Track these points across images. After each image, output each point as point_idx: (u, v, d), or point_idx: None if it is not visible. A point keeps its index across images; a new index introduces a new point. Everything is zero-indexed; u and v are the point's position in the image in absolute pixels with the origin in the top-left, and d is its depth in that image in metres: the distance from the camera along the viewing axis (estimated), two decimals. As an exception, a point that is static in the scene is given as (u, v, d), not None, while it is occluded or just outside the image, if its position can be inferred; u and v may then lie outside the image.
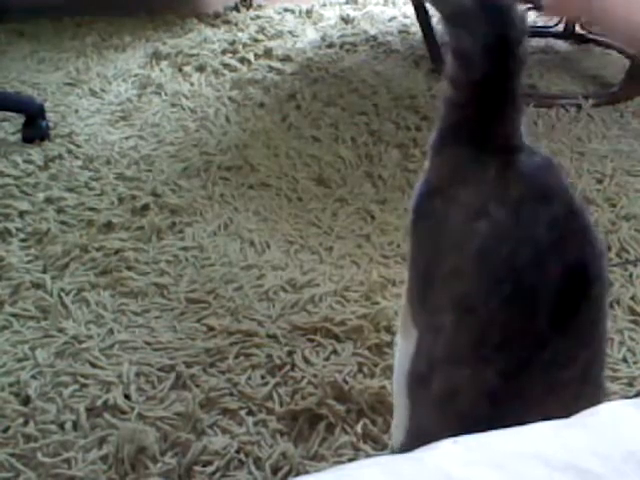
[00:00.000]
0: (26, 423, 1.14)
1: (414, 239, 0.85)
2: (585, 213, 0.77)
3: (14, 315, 1.36)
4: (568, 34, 2.51)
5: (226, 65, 2.35)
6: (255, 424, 1.14)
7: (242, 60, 2.38)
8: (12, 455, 1.09)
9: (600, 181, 1.72)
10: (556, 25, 2.52)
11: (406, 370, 0.81)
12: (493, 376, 0.69)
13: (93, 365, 1.25)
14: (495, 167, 0.76)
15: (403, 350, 0.88)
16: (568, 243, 0.72)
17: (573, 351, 0.71)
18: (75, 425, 1.14)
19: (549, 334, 0.69)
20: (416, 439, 0.68)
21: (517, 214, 0.72)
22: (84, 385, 1.21)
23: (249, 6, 2.84)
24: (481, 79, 0.77)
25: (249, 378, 1.21)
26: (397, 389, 0.94)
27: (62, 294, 1.40)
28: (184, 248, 1.53)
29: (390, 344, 1.26)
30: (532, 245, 0.70)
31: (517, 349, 0.69)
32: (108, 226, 1.60)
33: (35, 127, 1.94)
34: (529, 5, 0.90)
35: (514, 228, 0.72)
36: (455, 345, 0.73)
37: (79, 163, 1.84)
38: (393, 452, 1.02)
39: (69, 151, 1.88)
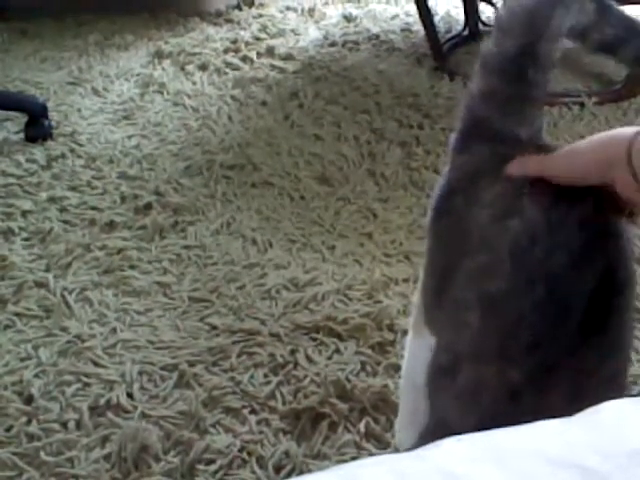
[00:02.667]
0: (29, 422, 1.14)
1: (433, 238, 0.84)
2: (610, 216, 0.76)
3: (17, 314, 1.36)
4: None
5: (228, 64, 2.35)
6: (258, 423, 1.14)
7: (244, 59, 2.38)
8: (15, 454, 1.09)
9: (603, 179, 1.72)
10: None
11: (420, 369, 0.80)
12: (518, 376, 0.68)
13: (96, 364, 1.25)
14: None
15: (415, 349, 0.88)
16: (598, 246, 0.71)
17: (601, 359, 0.70)
18: (78, 424, 1.14)
19: (578, 341, 0.68)
20: (432, 435, 0.67)
21: (549, 213, 0.71)
22: (87, 384, 1.21)
23: (251, 4, 2.84)
24: (515, 50, 0.77)
25: (252, 377, 1.21)
26: (408, 388, 0.93)
27: (65, 293, 1.40)
28: (187, 247, 1.53)
29: (393, 342, 1.26)
30: (565, 247, 0.69)
31: (545, 353, 0.68)
32: (111, 225, 1.60)
33: (38, 126, 1.94)
34: None
35: (547, 228, 0.70)
36: (482, 342, 0.72)
37: (82, 162, 1.84)
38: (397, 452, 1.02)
39: (72, 150, 1.89)
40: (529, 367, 0.68)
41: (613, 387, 0.72)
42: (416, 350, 0.87)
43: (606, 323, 0.70)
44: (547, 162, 0.75)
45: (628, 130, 0.70)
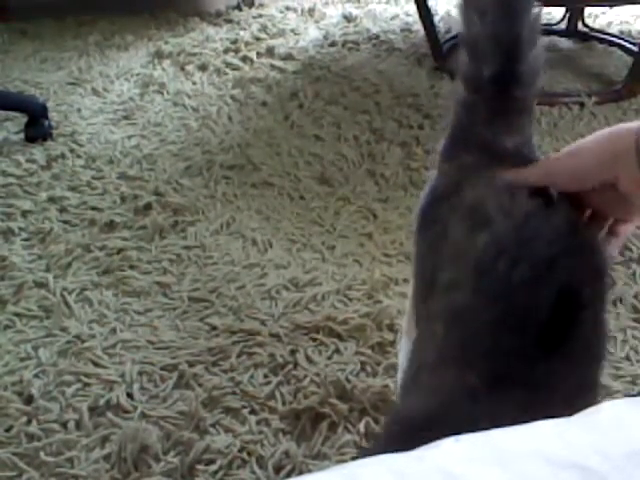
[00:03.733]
0: (29, 422, 1.14)
1: (418, 247, 0.84)
2: (586, 229, 0.75)
3: (17, 314, 1.36)
4: (571, 31, 2.50)
5: (228, 64, 2.35)
6: (258, 423, 1.14)
7: (244, 59, 2.38)
8: (15, 454, 1.09)
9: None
10: (559, 22, 2.52)
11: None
12: (476, 380, 0.67)
13: (96, 364, 1.25)
14: (503, 177, 0.75)
15: (406, 350, 0.88)
16: (565, 262, 0.70)
17: (564, 373, 0.69)
18: (78, 424, 1.14)
19: (537, 353, 0.67)
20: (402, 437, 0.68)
21: (520, 228, 0.71)
22: (87, 384, 1.21)
23: (251, 5, 2.84)
24: (491, 76, 0.76)
25: (252, 377, 1.21)
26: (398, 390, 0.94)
27: (65, 293, 1.41)
28: (186, 247, 1.53)
29: (393, 343, 1.26)
30: (530, 262, 0.69)
31: (501, 364, 0.68)
32: (110, 225, 1.60)
33: (38, 126, 1.94)
34: None
35: (515, 243, 0.70)
36: (444, 352, 0.72)
37: (81, 162, 1.84)
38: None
39: (71, 150, 1.89)
40: (486, 374, 0.67)
41: (580, 400, 0.71)
42: (405, 351, 0.88)
43: (570, 337, 0.68)
44: (549, 165, 0.75)
45: (633, 124, 0.69)
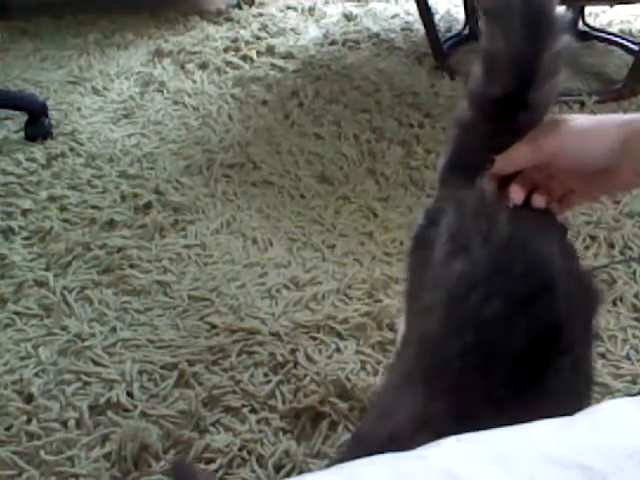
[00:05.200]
0: (29, 421, 1.14)
1: (408, 267, 0.83)
2: (572, 261, 0.72)
3: (17, 313, 1.36)
4: (571, 30, 2.50)
5: (228, 63, 2.35)
6: (258, 422, 1.14)
7: (244, 58, 2.38)
8: (15, 453, 1.09)
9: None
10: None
11: None
12: (440, 408, 0.64)
13: (96, 363, 1.25)
14: (487, 202, 0.73)
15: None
16: (545, 300, 0.66)
17: (538, 416, 0.67)
18: (78, 423, 1.14)
19: (507, 393, 0.63)
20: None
21: (497, 257, 0.68)
22: (87, 383, 1.21)
23: (251, 3, 2.84)
24: (501, 96, 0.74)
25: (252, 376, 1.21)
26: None
27: (65, 292, 1.41)
28: (187, 246, 1.53)
29: (393, 342, 1.26)
30: (503, 297, 0.66)
31: (462, 400, 0.63)
32: (111, 224, 1.60)
33: (38, 125, 1.94)
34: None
35: (490, 273, 0.67)
36: (409, 378, 0.69)
37: (82, 161, 1.84)
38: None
39: (72, 149, 1.89)
40: (451, 407, 0.63)
41: None
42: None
43: (544, 381, 0.64)
44: (544, 143, 0.72)
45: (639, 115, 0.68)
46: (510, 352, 0.64)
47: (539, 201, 0.75)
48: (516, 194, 0.74)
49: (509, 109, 0.75)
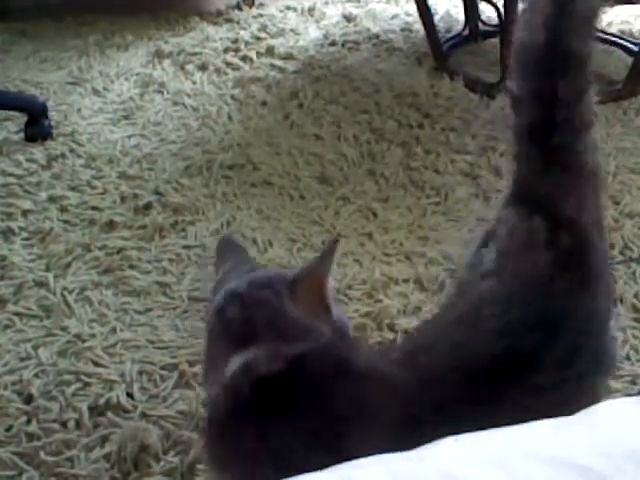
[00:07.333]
0: (29, 422, 1.14)
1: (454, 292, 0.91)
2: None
3: (17, 314, 1.36)
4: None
5: (228, 63, 2.34)
6: (258, 422, 1.14)
7: (244, 58, 2.38)
8: (15, 453, 1.09)
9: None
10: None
11: None
12: (421, 410, 0.71)
13: (96, 364, 1.25)
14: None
15: None
16: (540, 333, 0.73)
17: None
18: (78, 424, 1.14)
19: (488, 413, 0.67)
20: None
21: (511, 286, 0.76)
22: (87, 384, 1.21)
23: (251, 4, 2.83)
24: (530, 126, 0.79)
25: (252, 376, 1.21)
26: None
27: (65, 293, 1.40)
28: (186, 247, 1.53)
29: (393, 342, 1.26)
30: (483, 335, 0.74)
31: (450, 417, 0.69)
32: (110, 225, 1.60)
33: (38, 126, 1.94)
34: None
35: (498, 297, 0.76)
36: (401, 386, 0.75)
37: (82, 162, 1.84)
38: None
39: (72, 150, 1.88)
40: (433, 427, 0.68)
41: None
42: None
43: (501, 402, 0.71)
44: None
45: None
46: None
47: None
48: None
49: (542, 134, 0.79)
